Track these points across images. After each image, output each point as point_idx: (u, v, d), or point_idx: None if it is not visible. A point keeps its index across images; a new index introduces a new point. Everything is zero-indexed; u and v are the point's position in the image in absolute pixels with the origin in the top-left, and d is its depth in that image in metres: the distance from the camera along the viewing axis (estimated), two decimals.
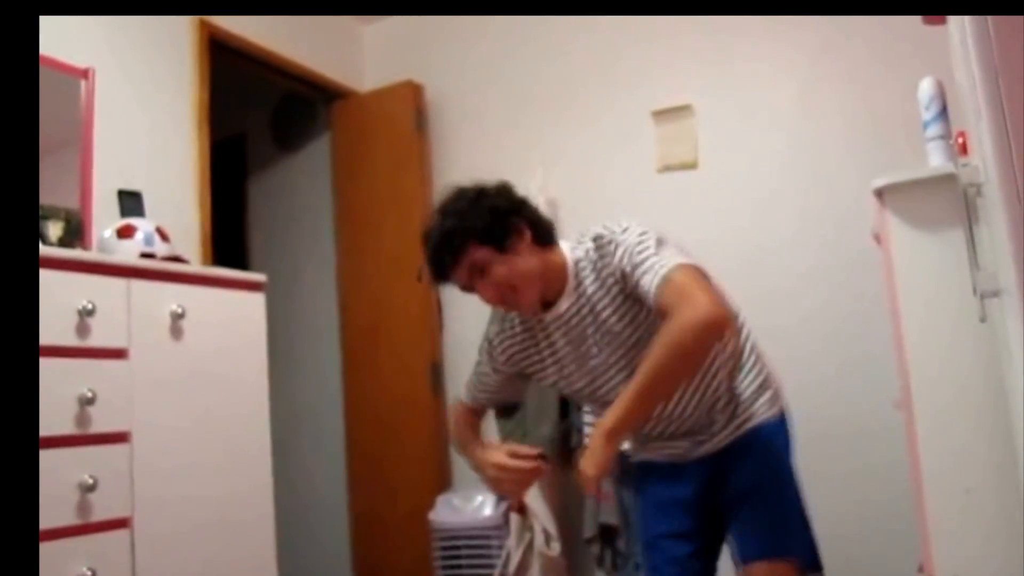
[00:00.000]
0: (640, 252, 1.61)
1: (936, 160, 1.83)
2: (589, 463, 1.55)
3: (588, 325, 1.72)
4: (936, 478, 1.67)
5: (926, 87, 1.90)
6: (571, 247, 1.75)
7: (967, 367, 1.65)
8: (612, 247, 1.65)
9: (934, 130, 1.86)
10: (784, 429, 1.85)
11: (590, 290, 1.70)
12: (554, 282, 1.72)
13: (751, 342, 1.86)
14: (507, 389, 1.91)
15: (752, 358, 1.84)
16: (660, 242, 1.63)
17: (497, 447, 1.80)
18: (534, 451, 1.72)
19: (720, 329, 1.54)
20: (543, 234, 1.72)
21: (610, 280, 1.68)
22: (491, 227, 1.64)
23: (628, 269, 1.62)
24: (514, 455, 1.72)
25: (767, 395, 1.82)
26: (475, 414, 1.94)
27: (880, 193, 1.77)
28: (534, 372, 1.85)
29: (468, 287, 1.71)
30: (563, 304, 1.72)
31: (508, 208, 1.68)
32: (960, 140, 1.81)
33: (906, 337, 1.73)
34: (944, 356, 1.69)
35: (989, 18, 1.01)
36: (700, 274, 1.59)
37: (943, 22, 1.67)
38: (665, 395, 1.65)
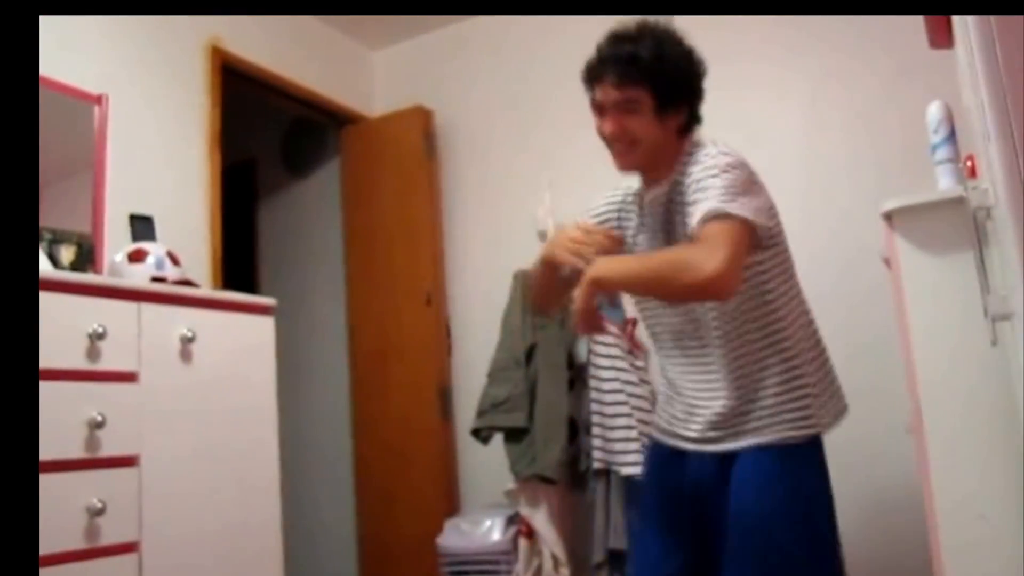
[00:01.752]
0: (711, 185, 1.56)
1: (945, 183, 1.83)
2: (576, 302, 1.54)
3: (666, 218, 1.69)
4: (949, 504, 1.66)
5: (934, 111, 1.91)
6: (695, 147, 1.67)
7: (979, 391, 1.64)
8: (704, 171, 1.58)
9: (943, 153, 1.86)
10: (809, 459, 1.65)
11: (678, 194, 1.65)
12: (662, 165, 1.68)
13: (809, 347, 1.72)
14: None
15: (803, 363, 1.67)
16: (744, 190, 1.58)
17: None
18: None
19: (705, 295, 1.51)
20: (689, 127, 1.68)
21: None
22: (671, 89, 1.59)
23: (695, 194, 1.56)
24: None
25: (796, 410, 1.64)
26: None
27: (889, 217, 1.77)
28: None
29: (600, 105, 1.66)
30: (656, 189, 1.70)
31: (695, 89, 1.65)
32: (969, 163, 1.81)
33: (917, 361, 1.72)
34: (955, 380, 1.68)
35: (996, 40, 1.01)
36: (745, 233, 1.50)
37: (949, 45, 1.67)
38: (644, 293, 1.69)
